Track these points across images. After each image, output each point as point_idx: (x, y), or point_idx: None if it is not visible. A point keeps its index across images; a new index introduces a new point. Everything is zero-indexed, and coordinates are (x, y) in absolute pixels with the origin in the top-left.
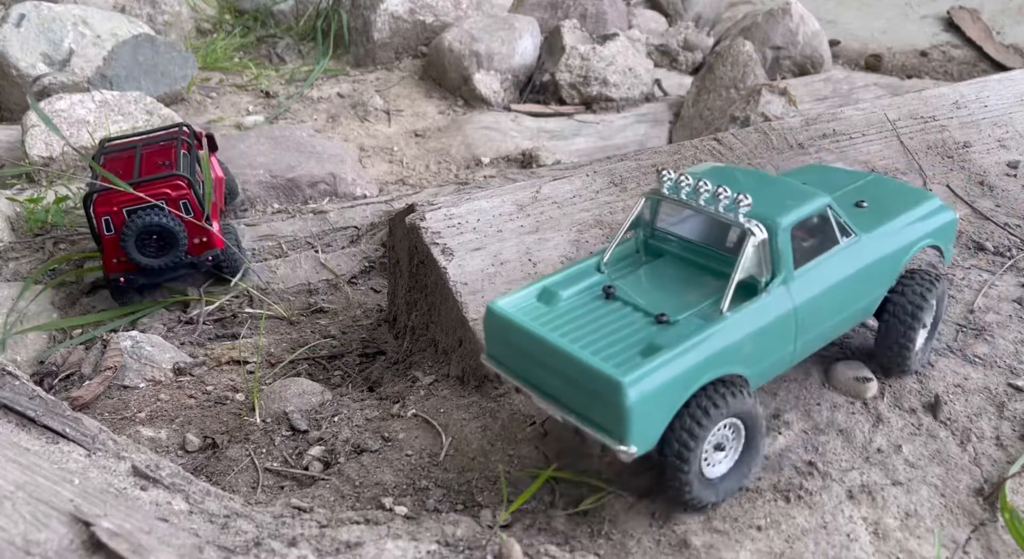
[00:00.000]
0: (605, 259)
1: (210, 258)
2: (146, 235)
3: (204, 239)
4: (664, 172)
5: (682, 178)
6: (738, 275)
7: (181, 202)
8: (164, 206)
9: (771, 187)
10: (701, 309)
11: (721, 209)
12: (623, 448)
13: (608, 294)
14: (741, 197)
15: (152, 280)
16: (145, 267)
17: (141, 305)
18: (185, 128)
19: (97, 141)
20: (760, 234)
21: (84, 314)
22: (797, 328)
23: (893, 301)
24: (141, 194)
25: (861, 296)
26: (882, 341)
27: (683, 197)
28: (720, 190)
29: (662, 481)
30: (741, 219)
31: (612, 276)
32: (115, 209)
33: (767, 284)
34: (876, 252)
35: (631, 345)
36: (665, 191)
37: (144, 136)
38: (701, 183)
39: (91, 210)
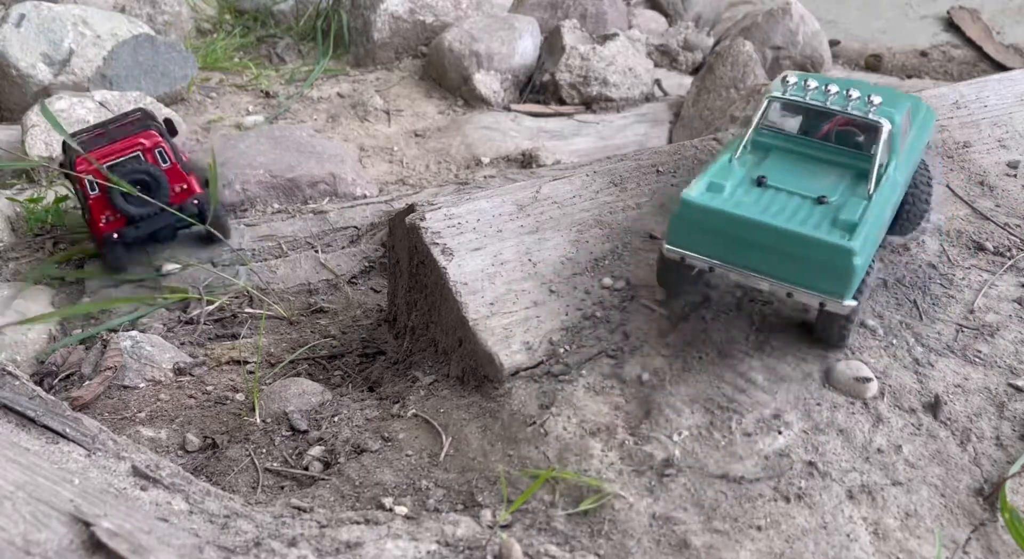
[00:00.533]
0: (737, 155)
1: (195, 202)
2: (131, 185)
3: (184, 186)
4: (789, 76)
5: (807, 81)
6: (876, 163)
7: (156, 151)
8: (140, 157)
9: (869, 89)
10: (845, 191)
11: (852, 108)
12: (846, 302)
13: (761, 182)
14: (873, 97)
15: (142, 232)
16: (134, 217)
17: (133, 275)
18: (143, 111)
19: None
20: (888, 127)
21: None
22: (896, 201)
23: (914, 180)
24: (119, 146)
25: (909, 177)
26: (907, 216)
27: (813, 99)
28: (851, 92)
29: (821, 329)
30: (873, 117)
31: (749, 170)
32: (94, 169)
33: (886, 167)
34: (919, 141)
35: (819, 221)
36: (792, 95)
37: (110, 121)
38: (829, 86)
39: (74, 171)
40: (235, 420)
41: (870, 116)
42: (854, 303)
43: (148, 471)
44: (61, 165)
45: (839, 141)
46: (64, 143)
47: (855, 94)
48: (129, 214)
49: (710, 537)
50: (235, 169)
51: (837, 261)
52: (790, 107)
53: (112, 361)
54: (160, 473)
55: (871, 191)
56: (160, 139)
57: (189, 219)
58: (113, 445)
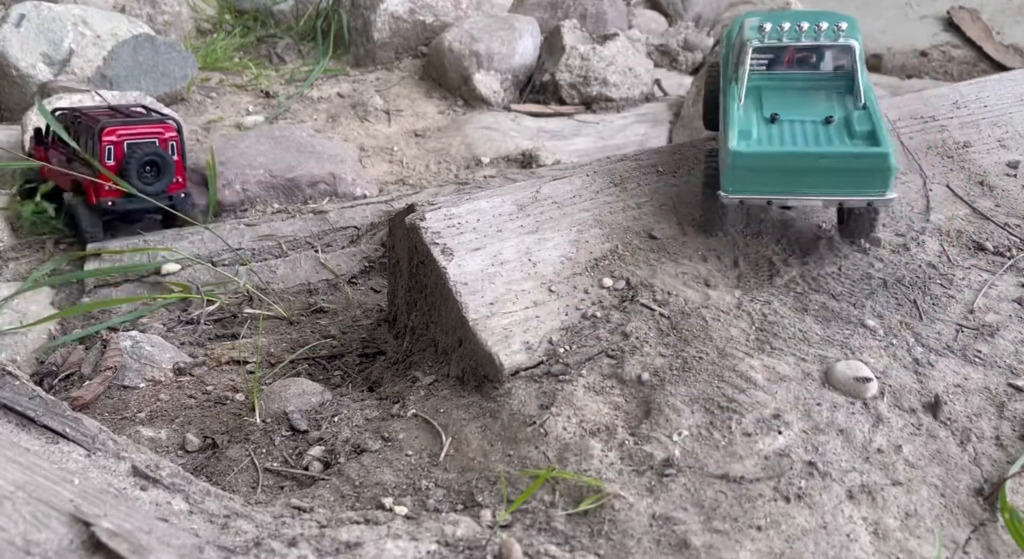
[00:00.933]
0: (742, 103)
1: (184, 194)
2: (143, 165)
3: (179, 179)
4: (761, 24)
5: (774, 26)
6: (859, 77)
7: (170, 142)
8: (156, 143)
9: (822, 16)
10: (842, 106)
11: (824, 39)
12: (890, 195)
13: (774, 119)
14: (841, 25)
15: (134, 207)
16: (143, 192)
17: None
18: (144, 106)
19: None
20: (858, 46)
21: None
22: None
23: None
24: (143, 129)
25: None
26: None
27: (788, 39)
28: (820, 25)
29: (856, 226)
30: (843, 41)
31: (758, 112)
32: (117, 141)
33: (862, 75)
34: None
35: (840, 138)
36: (768, 40)
37: (109, 106)
38: (800, 25)
39: (99, 139)
40: (235, 420)
41: (844, 41)
42: (896, 194)
43: (148, 471)
44: (29, 154)
45: (800, 65)
46: (75, 118)
47: (824, 25)
48: (136, 188)
49: (710, 537)
50: (235, 169)
51: (876, 164)
52: (762, 49)
53: (112, 361)
54: (160, 473)
55: (862, 101)
56: (176, 133)
57: (176, 212)
58: (113, 445)
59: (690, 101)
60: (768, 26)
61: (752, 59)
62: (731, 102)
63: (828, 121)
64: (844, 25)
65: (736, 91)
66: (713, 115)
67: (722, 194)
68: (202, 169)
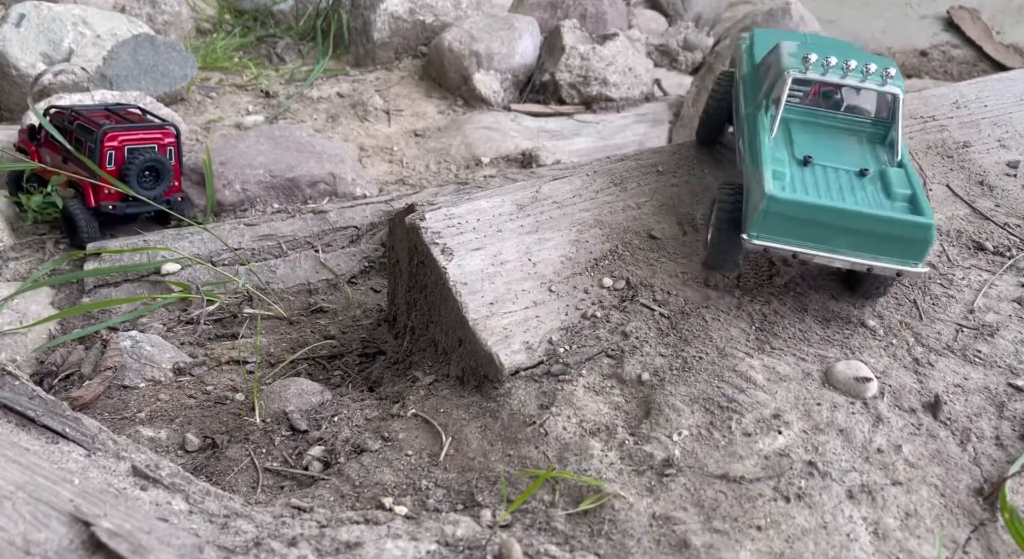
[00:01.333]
0: (773, 135)
1: (180, 198)
2: (143, 170)
3: (176, 183)
4: (806, 54)
5: (819, 59)
6: (900, 129)
7: (168, 149)
8: (155, 148)
9: (870, 57)
10: (875, 157)
11: (870, 82)
12: (922, 268)
13: (807, 162)
14: (890, 70)
15: (132, 210)
16: (143, 197)
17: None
18: (140, 108)
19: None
20: (903, 95)
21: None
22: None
23: None
24: (143, 134)
25: None
26: None
27: (833, 75)
28: (868, 66)
29: (867, 289)
30: (889, 87)
31: (788, 149)
32: (118, 146)
33: (901, 128)
34: None
35: (877, 197)
36: (812, 73)
37: (103, 106)
38: (847, 62)
39: (101, 143)
40: (235, 420)
41: (890, 88)
42: (928, 269)
43: (148, 471)
44: (17, 148)
45: (829, 101)
46: (71, 119)
47: (872, 67)
48: (136, 192)
49: (710, 537)
50: (235, 169)
51: (917, 234)
52: (803, 81)
53: (112, 361)
54: (160, 473)
55: (898, 157)
56: (175, 139)
57: (173, 212)
58: (113, 445)
59: (690, 101)
60: (813, 57)
61: (791, 90)
62: (762, 134)
63: (863, 173)
64: (892, 71)
65: (767, 122)
66: (711, 131)
67: (747, 237)
68: (202, 169)
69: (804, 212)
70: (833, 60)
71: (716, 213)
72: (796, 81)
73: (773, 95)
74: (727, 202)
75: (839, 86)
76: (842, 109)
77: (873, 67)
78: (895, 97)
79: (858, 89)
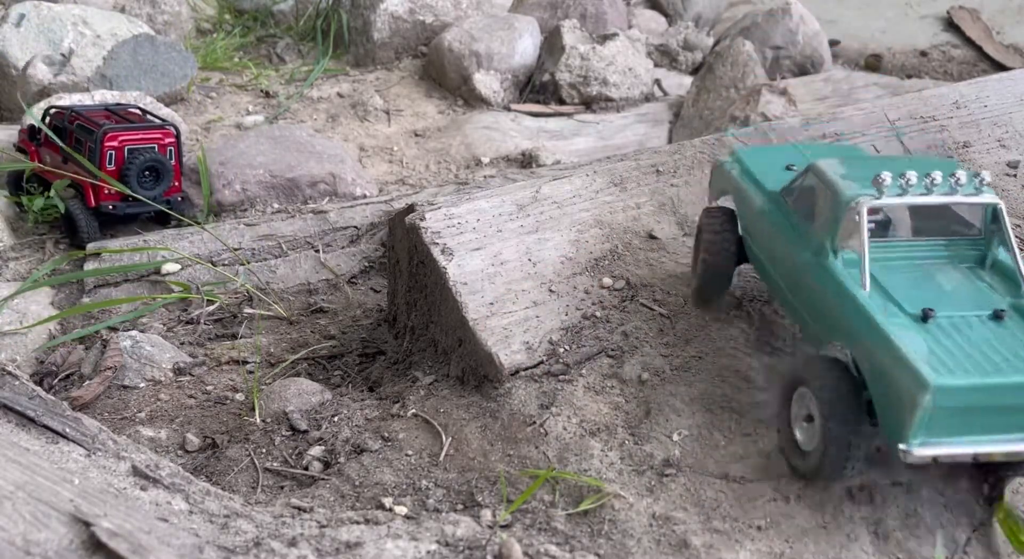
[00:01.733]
0: (866, 289)
1: (180, 198)
2: (143, 170)
3: (176, 183)
4: (879, 175)
5: (894, 177)
6: (1015, 249)
7: (168, 149)
8: (156, 148)
9: (943, 164)
10: (992, 288)
11: (963, 194)
12: None
13: (928, 317)
14: (984, 176)
15: (132, 211)
16: (143, 197)
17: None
18: (140, 108)
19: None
20: (1001, 202)
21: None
22: None
23: None
24: (143, 135)
25: None
26: None
27: (915, 194)
28: (957, 175)
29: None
30: (986, 197)
31: (889, 304)
32: (119, 146)
33: (1015, 246)
34: None
35: None
36: (888, 196)
37: (102, 106)
38: (927, 175)
39: (101, 143)
40: (235, 420)
41: (987, 198)
42: None
43: (148, 471)
44: (17, 148)
45: (880, 229)
46: (71, 119)
47: (962, 176)
48: (136, 192)
49: (710, 537)
50: (235, 169)
51: None
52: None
53: (112, 361)
54: (160, 473)
55: None
56: (175, 139)
57: (173, 212)
58: (113, 445)
59: (690, 101)
60: (887, 177)
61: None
62: (851, 290)
63: (998, 316)
64: (986, 176)
65: (850, 273)
66: (717, 288)
67: (905, 449)
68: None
69: (986, 398)
70: (912, 176)
71: (820, 403)
72: (872, 210)
73: (841, 233)
74: (832, 385)
75: (920, 209)
76: (916, 234)
77: (962, 176)
78: (996, 209)
79: (942, 207)
